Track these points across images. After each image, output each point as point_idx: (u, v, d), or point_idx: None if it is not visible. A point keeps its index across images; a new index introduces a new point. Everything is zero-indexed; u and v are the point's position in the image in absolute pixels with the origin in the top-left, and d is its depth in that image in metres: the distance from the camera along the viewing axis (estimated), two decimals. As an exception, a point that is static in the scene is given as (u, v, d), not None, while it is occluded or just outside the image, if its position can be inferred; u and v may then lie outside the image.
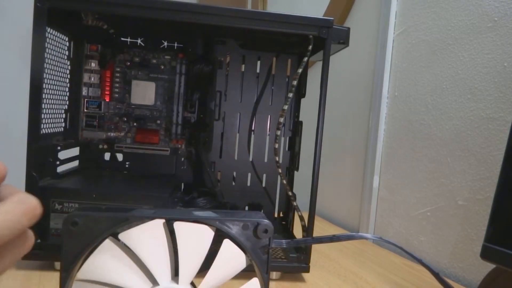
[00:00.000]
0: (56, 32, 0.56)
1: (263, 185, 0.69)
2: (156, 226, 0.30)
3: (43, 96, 0.51)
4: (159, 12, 0.50)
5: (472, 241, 0.60)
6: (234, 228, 0.32)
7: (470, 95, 0.62)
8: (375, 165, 0.81)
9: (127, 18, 0.53)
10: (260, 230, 0.32)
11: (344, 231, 0.85)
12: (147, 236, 0.30)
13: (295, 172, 0.68)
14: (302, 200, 0.59)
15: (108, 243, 0.30)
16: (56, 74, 0.57)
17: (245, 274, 0.33)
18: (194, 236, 0.31)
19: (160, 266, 0.31)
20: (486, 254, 0.42)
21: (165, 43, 0.67)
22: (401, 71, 0.77)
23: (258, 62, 0.67)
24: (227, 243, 0.32)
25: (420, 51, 0.72)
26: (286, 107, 0.56)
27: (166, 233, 0.31)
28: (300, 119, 0.67)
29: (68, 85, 0.63)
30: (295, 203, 0.58)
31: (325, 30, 0.52)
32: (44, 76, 0.51)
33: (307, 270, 0.55)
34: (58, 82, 0.58)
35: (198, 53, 0.66)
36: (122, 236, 0.30)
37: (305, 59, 0.54)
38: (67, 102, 0.63)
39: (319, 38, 0.52)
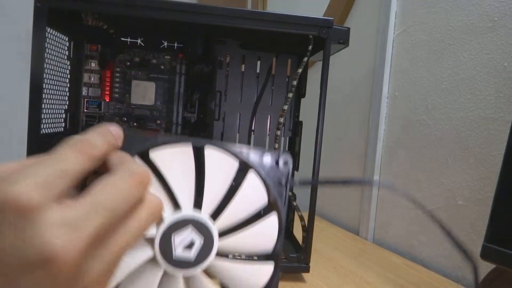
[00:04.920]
0: (56, 32, 0.56)
1: (263, 185, 0.69)
2: (186, 149, 0.30)
3: (43, 96, 0.51)
4: (159, 12, 0.50)
5: (472, 241, 0.60)
6: (256, 160, 0.32)
7: (470, 95, 0.62)
8: (375, 165, 0.81)
9: (127, 18, 0.53)
10: (281, 162, 0.33)
11: (345, 231, 0.85)
12: (177, 157, 0.30)
13: (295, 172, 0.68)
14: (302, 200, 0.59)
15: (136, 161, 0.29)
16: (56, 74, 0.57)
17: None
18: (221, 164, 0.31)
19: (185, 191, 0.30)
20: (486, 254, 0.42)
21: (165, 43, 0.67)
22: (401, 71, 0.77)
23: (258, 62, 0.67)
24: (252, 175, 0.31)
25: (420, 51, 0.72)
26: (286, 107, 0.56)
27: (193, 158, 0.30)
28: (300, 119, 0.67)
29: (68, 85, 0.63)
30: (295, 203, 0.58)
31: (325, 30, 0.52)
32: (44, 76, 0.51)
33: (307, 270, 0.55)
34: (58, 82, 0.58)
35: (198, 53, 0.66)
36: (152, 153, 0.29)
37: (305, 59, 0.54)
38: (67, 102, 0.63)
39: (319, 38, 0.52)
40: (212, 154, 0.31)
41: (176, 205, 0.30)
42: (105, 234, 0.23)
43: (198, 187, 0.31)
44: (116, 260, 0.24)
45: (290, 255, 0.55)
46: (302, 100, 0.68)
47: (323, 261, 0.64)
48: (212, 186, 0.31)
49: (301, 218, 0.56)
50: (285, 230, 0.34)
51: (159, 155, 0.30)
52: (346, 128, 0.93)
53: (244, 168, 0.32)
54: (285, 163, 0.33)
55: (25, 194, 0.20)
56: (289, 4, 1.25)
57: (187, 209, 0.30)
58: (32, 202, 0.20)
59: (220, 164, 0.31)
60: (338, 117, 0.95)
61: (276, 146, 0.57)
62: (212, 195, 0.31)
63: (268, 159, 0.33)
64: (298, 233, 0.59)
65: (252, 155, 0.32)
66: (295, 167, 0.67)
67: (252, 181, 0.32)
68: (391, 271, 0.62)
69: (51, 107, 0.56)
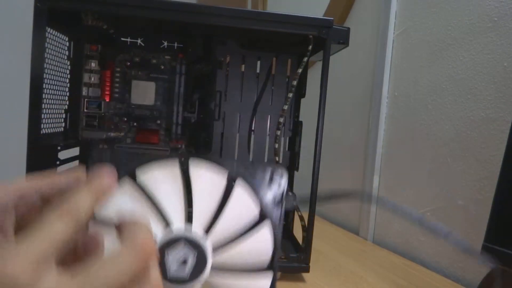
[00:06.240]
0: (56, 32, 0.56)
1: (263, 185, 0.69)
2: (173, 168, 0.31)
3: (43, 96, 0.51)
4: (159, 12, 0.50)
5: (472, 241, 0.60)
6: (246, 175, 0.32)
7: (470, 95, 0.62)
8: (375, 165, 0.81)
9: (127, 18, 0.53)
10: (276, 177, 0.33)
11: (345, 231, 0.85)
12: (164, 178, 0.30)
13: (295, 172, 0.68)
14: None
15: (125, 181, 0.30)
16: (56, 74, 0.57)
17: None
18: (209, 182, 0.31)
19: (175, 210, 0.30)
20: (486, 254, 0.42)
21: (165, 43, 0.67)
22: (401, 71, 0.77)
23: (258, 62, 0.67)
24: (238, 190, 0.31)
25: (420, 51, 0.72)
26: (286, 107, 0.56)
27: (181, 177, 0.31)
28: (300, 119, 0.67)
29: (68, 85, 0.63)
30: (295, 203, 0.58)
31: (325, 30, 0.52)
32: (44, 76, 0.51)
33: (307, 270, 0.55)
34: (58, 82, 0.58)
35: (198, 53, 0.66)
36: (139, 171, 0.30)
37: (305, 59, 0.54)
38: (67, 102, 0.63)
39: (319, 38, 0.52)
40: (198, 173, 0.31)
41: (167, 223, 0.31)
42: None
43: (187, 206, 0.31)
44: None
45: (290, 255, 0.55)
46: (302, 100, 0.68)
47: (323, 261, 0.64)
48: (200, 204, 0.31)
49: (301, 218, 0.56)
50: (285, 230, 0.33)
51: (147, 176, 0.30)
52: (346, 128, 0.93)
53: (232, 184, 0.32)
54: (280, 177, 0.33)
55: (20, 273, 0.21)
56: (289, 4, 1.25)
57: (178, 228, 0.30)
58: (26, 281, 0.21)
59: (207, 182, 0.31)
60: (338, 117, 0.95)
61: (276, 146, 0.58)
62: (202, 213, 0.31)
63: (261, 174, 0.33)
64: (298, 233, 0.59)
65: (242, 170, 0.32)
66: (295, 167, 0.67)
67: (239, 195, 0.32)
68: (391, 271, 0.62)
69: (51, 107, 0.56)
